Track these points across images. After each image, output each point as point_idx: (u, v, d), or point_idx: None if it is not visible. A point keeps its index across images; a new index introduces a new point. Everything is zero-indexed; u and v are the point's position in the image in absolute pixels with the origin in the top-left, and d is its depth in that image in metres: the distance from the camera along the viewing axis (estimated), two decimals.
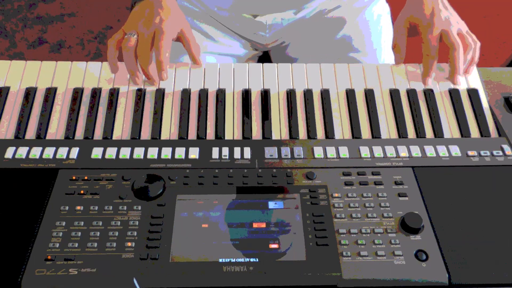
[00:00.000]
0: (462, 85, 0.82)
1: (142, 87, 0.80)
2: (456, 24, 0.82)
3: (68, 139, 0.74)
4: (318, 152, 0.72)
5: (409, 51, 0.86)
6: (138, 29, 0.79)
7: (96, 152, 0.71)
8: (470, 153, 0.73)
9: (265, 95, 0.80)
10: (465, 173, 0.70)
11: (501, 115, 0.79)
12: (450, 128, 0.78)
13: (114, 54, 0.80)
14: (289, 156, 0.72)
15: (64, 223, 0.63)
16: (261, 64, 0.84)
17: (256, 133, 0.76)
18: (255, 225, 0.63)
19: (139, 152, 0.71)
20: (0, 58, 0.84)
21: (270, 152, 0.72)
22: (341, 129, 0.77)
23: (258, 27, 1.02)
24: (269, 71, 0.83)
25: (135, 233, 0.62)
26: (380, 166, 0.71)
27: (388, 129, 0.77)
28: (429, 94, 0.80)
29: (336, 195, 0.67)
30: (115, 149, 0.72)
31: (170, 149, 0.72)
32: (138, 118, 0.76)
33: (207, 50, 1.00)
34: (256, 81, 0.82)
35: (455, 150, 0.73)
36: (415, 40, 0.85)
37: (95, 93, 0.79)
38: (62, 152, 0.71)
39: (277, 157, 0.72)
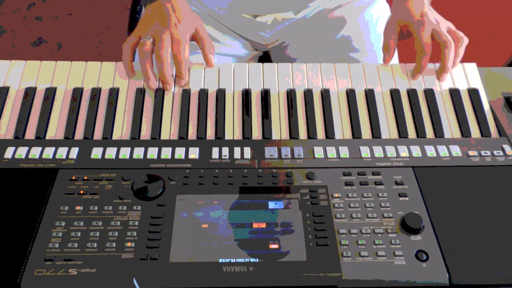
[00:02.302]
0: (462, 85, 0.82)
1: (142, 86, 0.80)
2: (445, 23, 0.83)
3: (68, 139, 0.74)
4: (318, 152, 0.72)
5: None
6: (153, 32, 0.79)
7: (96, 152, 0.71)
8: (470, 153, 0.73)
9: (265, 95, 0.80)
10: (466, 173, 0.70)
11: (502, 115, 0.79)
12: (450, 128, 0.77)
13: (129, 58, 0.80)
14: (289, 156, 0.72)
15: (63, 223, 0.62)
16: (261, 64, 0.84)
17: (256, 133, 0.76)
18: (255, 225, 0.63)
19: (139, 152, 0.71)
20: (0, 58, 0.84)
21: (270, 152, 0.72)
22: (342, 129, 0.77)
23: (258, 27, 1.02)
24: (269, 71, 0.83)
25: (135, 233, 0.62)
26: (380, 166, 0.71)
27: (388, 129, 0.77)
28: (429, 94, 0.80)
29: (336, 195, 0.67)
30: (115, 149, 0.72)
31: (170, 149, 0.72)
32: (138, 118, 0.76)
33: None
34: (256, 81, 0.82)
35: (456, 150, 0.73)
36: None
37: (95, 93, 0.79)
38: (62, 152, 0.71)
39: (277, 157, 0.72)
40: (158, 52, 0.77)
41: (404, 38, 0.86)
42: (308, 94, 0.80)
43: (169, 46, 0.78)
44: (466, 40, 0.82)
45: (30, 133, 0.74)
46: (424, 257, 0.61)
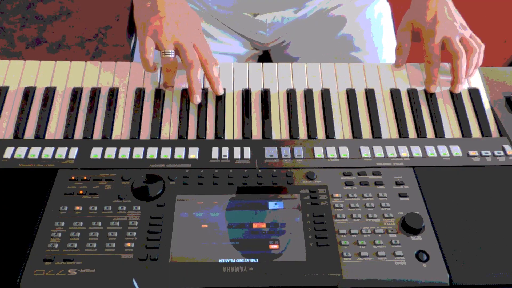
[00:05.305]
0: (463, 85, 0.82)
1: (142, 86, 0.80)
2: (459, 30, 0.81)
3: (67, 139, 0.74)
4: (319, 152, 0.72)
5: (411, 52, 0.85)
6: (176, 41, 0.76)
7: (95, 152, 0.71)
8: (471, 153, 0.73)
9: (265, 95, 0.80)
10: (466, 173, 0.70)
11: (502, 115, 0.79)
12: (451, 128, 0.77)
13: (152, 69, 0.77)
14: (289, 156, 0.72)
15: (63, 224, 0.62)
16: (261, 63, 0.84)
17: (256, 133, 0.76)
18: (255, 225, 0.63)
19: (138, 152, 0.71)
20: None
21: (270, 152, 0.72)
22: (342, 129, 0.77)
23: (258, 26, 1.02)
24: (269, 71, 0.83)
25: (135, 234, 0.62)
26: (380, 166, 0.70)
27: (388, 129, 0.77)
28: (430, 94, 0.80)
29: (336, 195, 0.66)
30: (115, 149, 0.71)
31: (169, 149, 0.72)
32: (138, 118, 0.76)
33: None
34: (256, 80, 0.82)
35: (456, 150, 0.73)
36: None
37: (94, 93, 0.78)
38: (61, 152, 0.71)
39: (277, 157, 0.71)
40: (189, 72, 0.76)
41: (416, 41, 0.84)
42: (308, 94, 0.80)
43: (198, 65, 0.76)
44: (477, 49, 0.80)
45: (29, 133, 0.74)
46: (425, 257, 0.60)
